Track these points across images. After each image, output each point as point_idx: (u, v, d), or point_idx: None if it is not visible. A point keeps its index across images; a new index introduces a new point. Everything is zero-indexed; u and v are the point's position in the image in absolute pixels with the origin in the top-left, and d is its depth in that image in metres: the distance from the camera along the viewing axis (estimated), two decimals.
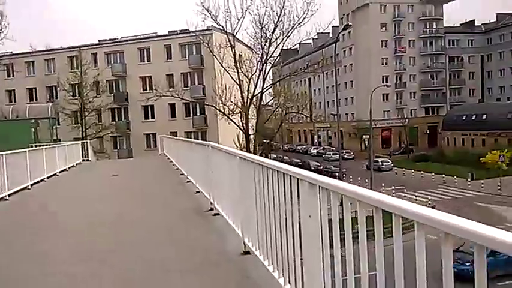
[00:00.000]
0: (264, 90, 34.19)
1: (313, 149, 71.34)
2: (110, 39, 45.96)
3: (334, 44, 74.40)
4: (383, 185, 35.11)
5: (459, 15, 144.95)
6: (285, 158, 53.31)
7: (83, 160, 20.31)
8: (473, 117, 52.29)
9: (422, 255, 1.47)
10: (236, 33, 31.45)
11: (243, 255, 4.27)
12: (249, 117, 31.39)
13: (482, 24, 74.86)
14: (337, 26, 71.76)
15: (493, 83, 69.93)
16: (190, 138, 27.44)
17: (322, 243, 2.49)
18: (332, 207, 2.42)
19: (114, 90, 44.24)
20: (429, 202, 28.23)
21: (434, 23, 68.48)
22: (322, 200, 2.49)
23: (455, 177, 37.07)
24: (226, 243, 4.87)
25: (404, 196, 31.42)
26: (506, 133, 46.60)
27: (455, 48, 70.03)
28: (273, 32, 31.60)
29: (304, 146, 77.00)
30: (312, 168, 47.24)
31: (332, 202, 2.34)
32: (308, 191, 2.62)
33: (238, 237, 4.48)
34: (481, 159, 39.20)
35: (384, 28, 66.97)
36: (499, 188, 31.98)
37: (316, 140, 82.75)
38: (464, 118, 53.61)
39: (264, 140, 38.90)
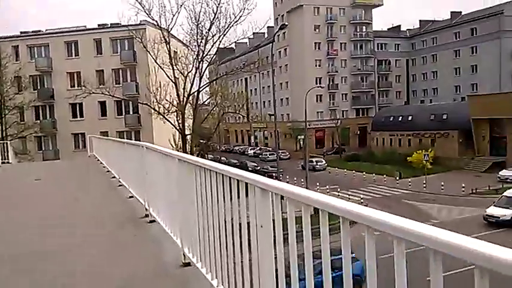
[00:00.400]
0: (200, 89, 33.60)
1: (250, 149, 71.72)
2: (33, 32, 42.80)
3: (270, 44, 75.86)
4: (318, 184, 35.95)
5: (387, 20, 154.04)
6: (222, 158, 53.03)
7: (3, 163, 18.60)
8: (400, 118, 55.27)
9: (348, 249, 1.58)
10: (171, 29, 30.61)
11: (183, 267, 3.85)
12: (186, 116, 30.64)
13: (407, 29, 79.66)
14: (273, 27, 72.85)
15: (417, 86, 74.66)
16: (123, 138, 26.17)
17: (275, 256, 2.18)
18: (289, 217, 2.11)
19: (39, 87, 41.22)
20: (361, 200, 29.29)
21: (364, 27, 71.67)
22: (276, 207, 2.19)
23: (384, 176, 38.90)
24: (163, 253, 4.41)
25: (338, 195, 32.39)
26: (430, 133, 49.76)
27: (383, 52, 73.82)
28: (209, 29, 31.14)
29: (241, 147, 77.15)
30: (250, 168, 47.35)
31: (288, 210, 2.03)
32: (260, 198, 2.29)
33: (177, 246, 4.04)
34: (407, 158, 41.46)
35: (317, 30, 68.90)
36: (424, 186, 33.94)
37: (253, 141, 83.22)
38: (391, 119, 56.51)
39: (201, 140, 38.23)
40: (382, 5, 72.22)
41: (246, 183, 2.46)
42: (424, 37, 73.23)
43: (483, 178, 36.62)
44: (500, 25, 60.77)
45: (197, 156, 32.58)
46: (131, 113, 40.50)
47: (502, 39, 60.81)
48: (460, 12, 70.64)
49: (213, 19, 30.58)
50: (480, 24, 63.62)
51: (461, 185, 32.55)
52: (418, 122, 52.05)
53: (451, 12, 71.23)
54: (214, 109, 37.31)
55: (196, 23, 31.16)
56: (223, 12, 29.93)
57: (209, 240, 3.13)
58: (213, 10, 30.11)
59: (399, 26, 79.72)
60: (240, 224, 2.69)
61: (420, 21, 77.47)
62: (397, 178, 38.33)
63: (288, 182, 24.70)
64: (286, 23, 24.75)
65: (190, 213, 3.61)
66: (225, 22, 30.46)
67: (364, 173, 41.76)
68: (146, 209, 5.87)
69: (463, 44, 65.81)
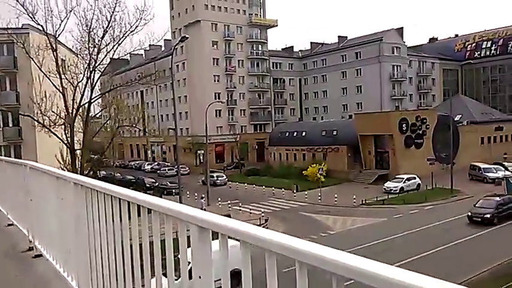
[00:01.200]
0: (92, 100, 31.27)
1: (148, 164, 68.88)
2: None
3: (166, 57, 74.59)
4: (219, 199, 35.55)
5: (281, 40, 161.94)
6: (117, 174, 49.96)
7: None
8: (295, 134, 57.73)
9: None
10: (58, 35, 27.97)
11: None
12: (75, 130, 28.11)
13: (299, 50, 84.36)
14: (170, 40, 71.75)
15: (309, 104, 79.04)
16: (1, 154, 23.03)
17: None
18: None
19: None
20: (262, 214, 29.58)
21: (260, 46, 74.05)
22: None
23: (282, 189, 40.01)
24: None
25: (240, 210, 32.38)
26: (322, 148, 52.58)
27: (278, 71, 77.02)
28: (102, 38, 29.17)
29: (137, 162, 73.72)
30: (148, 185, 45.28)
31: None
32: (197, 236, 1.74)
33: None
34: (303, 172, 43.25)
35: (215, 46, 69.39)
36: (319, 198, 35.51)
37: (150, 155, 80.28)
38: (287, 135, 58.77)
39: (92, 156, 35.54)
40: (277, 26, 75.47)
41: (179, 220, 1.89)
42: (315, 58, 78.12)
43: (371, 189, 39.59)
44: (380, 51, 67.36)
45: (88, 172, 30.14)
46: (11, 125, 36.12)
47: (382, 63, 67.41)
48: (346, 36, 76.90)
49: (107, 27, 28.67)
50: (363, 48, 69.83)
51: (352, 196, 34.71)
52: (311, 138, 54.79)
53: (338, 36, 77.15)
54: (108, 122, 35.07)
55: (87, 31, 28.95)
56: (118, 20, 28.34)
57: (117, 285, 2.47)
58: (106, 18, 28.30)
59: (292, 46, 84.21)
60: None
61: (311, 43, 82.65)
62: (295, 191, 39.65)
63: (188, 198, 23.88)
64: (187, 36, 24.04)
65: (90, 250, 2.89)
66: (120, 31, 28.87)
67: (263, 186, 42.49)
68: (30, 241, 4.83)
69: (349, 66, 71.53)
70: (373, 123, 46.21)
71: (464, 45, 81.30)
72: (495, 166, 42.71)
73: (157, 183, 46.33)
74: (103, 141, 39.00)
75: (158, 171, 61.27)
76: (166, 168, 60.54)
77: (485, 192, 36.28)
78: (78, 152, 28.51)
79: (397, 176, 39.50)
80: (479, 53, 77.72)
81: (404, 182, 37.97)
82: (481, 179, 41.13)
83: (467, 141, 48.37)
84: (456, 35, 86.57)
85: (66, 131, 27.78)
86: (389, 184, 38.18)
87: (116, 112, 34.50)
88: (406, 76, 70.29)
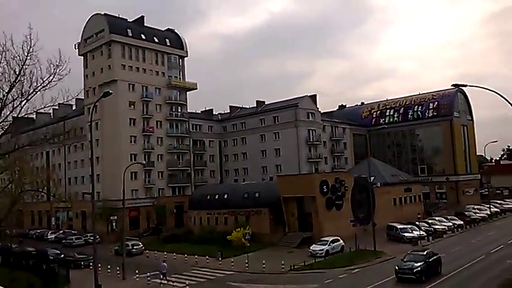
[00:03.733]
0: None
1: (51, 233, 61.73)
2: None
3: (78, 117, 70.46)
4: (137, 272, 32.10)
5: (200, 103, 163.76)
6: (13, 246, 43.65)
7: None
8: (216, 196, 56.07)
9: None
10: None
11: None
12: None
13: (218, 113, 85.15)
14: (82, 99, 68.18)
15: (229, 166, 78.63)
16: None
17: None
18: None
19: None
20: (187, 287, 26.92)
21: (180, 107, 73.34)
22: None
23: (207, 257, 37.45)
24: None
25: (161, 284, 29.34)
26: (244, 211, 51.35)
27: (198, 133, 76.39)
28: (8, 92, 26.24)
29: (39, 230, 65.85)
30: (51, 257, 39.88)
31: None
32: None
33: None
34: (227, 237, 41.36)
35: (132, 106, 67.27)
36: (246, 265, 33.71)
37: (54, 223, 72.61)
38: (208, 198, 56.87)
39: None
40: (196, 89, 75.82)
41: None
42: (234, 121, 79.18)
43: (296, 253, 38.79)
44: (296, 116, 70.28)
45: None
46: None
47: (298, 128, 70.07)
48: (264, 101, 79.57)
49: (14, 81, 25.96)
50: (280, 113, 72.46)
51: (280, 262, 33.46)
52: (233, 200, 53.52)
53: (257, 101, 79.62)
54: (9, 187, 30.83)
55: None
56: (28, 75, 25.65)
57: None
58: (15, 71, 25.59)
59: (212, 109, 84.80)
60: None
61: (230, 106, 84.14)
62: (219, 258, 37.41)
63: (100, 272, 20.72)
64: (111, 91, 22.30)
65: None
66: (30, 86, 26.10)
67: (185, 254, 39.57)
68: None
69: (267, 130, 73.35)
70: (295, 185, 46.56)
71: (370, 113, 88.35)
72: (410, 226, 44.68)
73: (62, 255, 41.03)
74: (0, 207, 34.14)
75: (64, 241, 54.95)
76: (73, 238, 54.58)
77: (404, 252, 37.34)
78: None
79: (321, 239, 39.33)
80: (383, 119, 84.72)
81: (329, 245, 37.81)
82: (398, 238, 42.55)
83: (382, 202, 50.68)
84: (362, 103, 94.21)
85: None
86: (314, 247, 37.73)
87: (18, 175, 30.61)
88: (321, 140, 73.60)
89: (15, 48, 24.43)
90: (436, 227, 47.58)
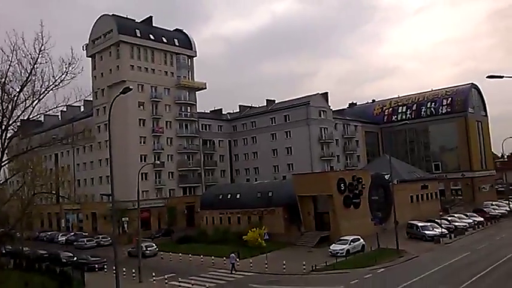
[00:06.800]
0: (3, 163, 26.57)
1: (62, 235, 60.94)
2: None
3: (88, 118, 69.78)
4: (153, 274, 31.12)
5: (209, 102, 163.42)
6: (25, 249, 42.85)
7: None
8: (229, 196, 55.04)
9: None
10: None
11: None
12: None
13: (227, 113, 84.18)
14: (90, 101, 67.31)
15: (240, 165, 77.63)
16: None
17: None
18: None
19: None
20: None
21: (189, 107, 72.51)
22: None
23: (224, 258, 36.38)
24: None
25: (180, 286, 28.33)
26: (257, 211, 50.29)
27: (208, 132, 75.48)
28: (19, 92, 25.36)
29: (49, 233, 65.10)
30: (64, 260, 39.07)
31: None
32: None
33: None
34: (243, 237, 40.23)
35: (141, 107, 66.54)
36: (266, 266, 32.63)
37: (63, 225, 71.90)
38: (220, 197, 55.86)
39: None
40: (206, 88, 74.90)
41: None
42: (244, 121, 78.18)
43: (316, 253, 37.63)
44: (308, 114, 69.11)
45: None
46: None
47: (310, 126, 68.91)
48: (274, 100, 78.47)
49: (26, 81, 25.05)
50: (291, 112, 71.33)
51: (299, 262, 32.40)
52: (246, 200, 52.46)
53: (267, 99, 78.51)
54: (22, 189, 29.97)
55: (1, 85, 25.07)
56: (40, 74, 24.68)
57: None
58: (26, 70, 24.66)
59: (221, 109, 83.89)
60: None
61: (240, 106, 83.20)
62: (237, 259, 36.28)
63: (115, 275, 19.63)
64: (131, 87, 21.33)
65: None
66: (41, 86, 25.15)
67: (201, 256, 38.51)
68: None
69: (278, 129, 72.27)
70: (311, 183, 45.41)
71: (382, 110, 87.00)
72: (431, 224, 43.41)
73: (75, 258, 40.17)
74: (11, 210, 33.35)
75: (75, 243, 54.18)
76: (85, 240, 53.74)
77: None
78: None
79: (341, 238, 38.13)
80: (396, 116, 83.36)
81: (349, 244, 36.59)
82: (419, 237, 41.31)
83: (399, 200, 49.07)
84: (373, 100, 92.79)
85: None
86: (334, 247, 36.55)
87: (31, 177, 29.72)
88: (333, 138, 72.41)
89: (26, 47, 23.65)
90: (457, 224, 46.27)
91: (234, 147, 78.91)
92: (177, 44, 72.44)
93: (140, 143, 65.50)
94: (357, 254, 35.81)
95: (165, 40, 71.00)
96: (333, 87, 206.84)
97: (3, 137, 25.99)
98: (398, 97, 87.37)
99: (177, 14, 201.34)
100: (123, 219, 54.47)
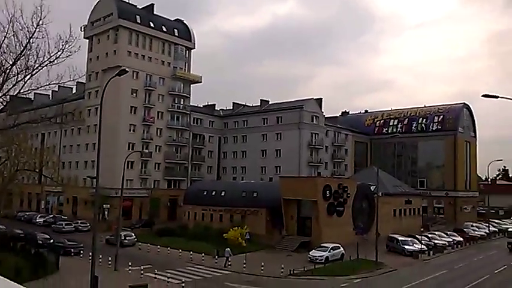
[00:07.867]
0: None
1: (40, 216, 60.00)
2: None
3: (79, 100, 68.86)
4: (130, 264, 30.72)
5: (203, 97, 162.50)
6: (1, 227, 42.08)
7: None
8: (213, 193, 54.71)
9: None
10: None
11: None
12: None
13: (220, 109, 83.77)
14: (83, 83, 66.51)
15: (227, 163, 77.26)
16: None
17: None
18: None
19: None
20: (183, 285, 25.58)
21: (182, 100, 72.01)
22: None
23: (202, 254, 36.11)
24: None
25: (155, 278, 27.99)
26: (240, 210, 50.08)
27: (199, 127, 75.00)
28: (12, 65, 24.84)
29: (27, 213, 63.99)
30: (40, 241, 38.43)
31: None
32: None
33: None
34: (224, 235, 40.04)
35: (134, 94, 65.92)
36: (244, 266, 32.45)
37: (43, 206, 70.88)
38: (205, 193, 55.51)
39: None
40: (201, 82, 74.47)
41: None
42: (236, 118, 77.85)
43: (295, 257, 37.55)
44: (301, 118, 69.08)
45: None
46: None
47: (302, 130, 68.89)
48: (268, 101, 78.31)
49: (20, 53, 24.56)
50: (284, 114, 71.22)
51: (278, 265, 32.24)
52: (230, 198, 52.20)
53: (261, 99, 78.31)
54: (5, 164, 29.37)
55: None
56: (35, 49, 24.22)
57: None
58: (21, 43, 24.17)
59: (214, 104, 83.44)
60: None
61: (233, 103, 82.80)
62: (216, 257, 36.11)
63: (91, 261, 19.25)
64: (127, 69, 21.00)
65: None
66: (35, 61, 24.70)
67: (180, 250, 38.18)
68: None
69: (270, 130, 72.07)
70: (297, 187, 45.36)
71: (373, 121, 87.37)
72: (411, 239, 43.64)
73: (52, 240, 39.52)
74: None
75: (53, 226, 53.35)
76: (63, 223, 52.94)
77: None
78: None
79: (322, 245, 38.11)
80: (386, 129, 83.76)
81: (329, 252, 36.60)
82: (399, 251, 41.50)
83: (383, 212, 49.23)
84: (366, 111, 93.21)
85: None
86: (314, 253, 36.52)
87: (15, 153, 29.16)
88: (323, 144, 72.49)
89: (24, 19, 23.17)
90: (437, 241, 46.58)
91: (223, 144, 78.53)
92: (176, 34, 71.90)
93: (130, 130, 64.84)
94: (336, 262, 35.82)
95: (164, 29, 70.43)
96: (327, 94, 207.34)
97: None
98: (391, 110, 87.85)
99: (178, 5, 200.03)
100: (104, 206, 53.86)
